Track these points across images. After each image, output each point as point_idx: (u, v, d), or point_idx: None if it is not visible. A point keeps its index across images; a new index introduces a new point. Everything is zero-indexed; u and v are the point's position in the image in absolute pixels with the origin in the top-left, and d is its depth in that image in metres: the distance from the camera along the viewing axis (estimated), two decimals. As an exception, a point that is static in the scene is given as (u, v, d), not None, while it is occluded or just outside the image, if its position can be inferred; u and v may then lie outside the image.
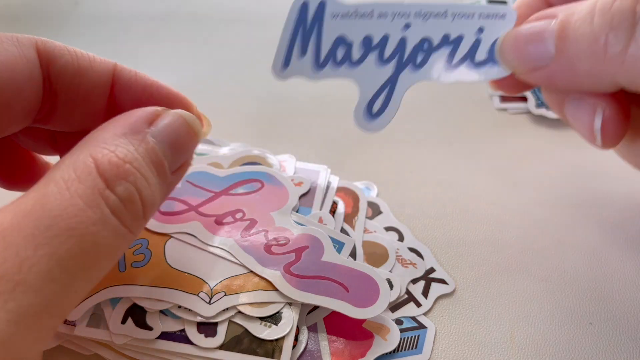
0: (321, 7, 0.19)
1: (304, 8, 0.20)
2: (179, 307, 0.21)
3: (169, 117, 0.19)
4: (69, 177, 0.15)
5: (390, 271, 0.23)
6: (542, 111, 0.31)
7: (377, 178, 0.28)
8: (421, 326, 0.22)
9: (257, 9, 0.40)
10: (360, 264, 0.22)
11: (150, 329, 0.20)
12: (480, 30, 0.19)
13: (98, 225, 0.15)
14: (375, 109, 0.21)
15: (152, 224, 0.23)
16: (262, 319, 0.21)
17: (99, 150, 0.16)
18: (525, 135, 0.31)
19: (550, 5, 0.20)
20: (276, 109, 0.32)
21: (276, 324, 0.20)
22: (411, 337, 0.22)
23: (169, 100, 0.21)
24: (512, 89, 0.22)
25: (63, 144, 0.22)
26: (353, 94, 0.33)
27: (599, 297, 0.23)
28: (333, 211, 0.25)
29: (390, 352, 0.21)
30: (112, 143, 0.16)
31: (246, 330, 0.20)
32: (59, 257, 0.14)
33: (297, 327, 0.21)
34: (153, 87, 0.21)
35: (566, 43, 0.17)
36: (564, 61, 0.18)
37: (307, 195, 0.25)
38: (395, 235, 0.25)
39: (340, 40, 0.20)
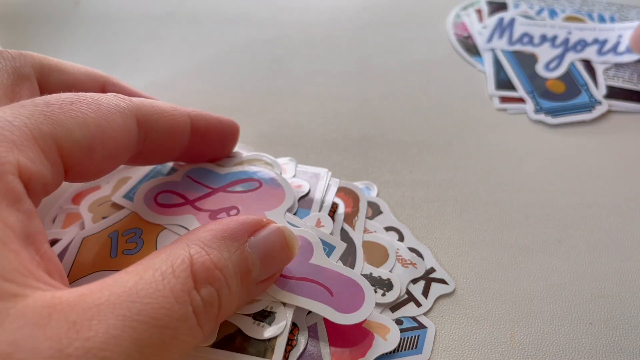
0: (512, 19, 0.37)
1: (500, 19, 0.36)
2: None
3: (270, 230, 0.20)
4: (166, 269, 0.16)
5: (390, 271, 0.23)
6: (541, 117, 0.31)
7: (377, 178, 0.28)
8: (421, 326, 0.22)
9: (257, 9, 0.40)
10: (348, 270, 0.22)
11: None
12: (620, 36, 0.35)
13: (180, 321, 0.16)
14: (550, 67, 0.34)
15: (147, 213, 0.23)
16: (255, 318, 0.21)
17: (197, 250, 0.17)
18: (524, 135, 0.31)
19: None
20: (276, 109, 0.32)
21: (269, 323, 0.20)
22: (411, 337, 0.22)
23: (228, 132, 0.25)
24: None
25: None
26: (352, 93, 0.33)
27: (599, 297, 0.23)
28: (333, 212, 0.25)
29: (390, 352, 0.21)
30: (210, 245, 0.18)
31: (239, 329, 0.20)
32: (141, 343, 0.14)
33: (297, 327, 0.21)
34: (218, 125, 0.24)
35: None
36: None
37: (306, 198, 0.25)
38: (395, 235, 0.25)
39: (525, 34, 0.36)
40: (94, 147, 0.19)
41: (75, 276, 0.22)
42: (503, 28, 0.36)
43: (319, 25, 0.38)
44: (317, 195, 0.25)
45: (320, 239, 0.23)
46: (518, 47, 0.35)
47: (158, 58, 0.36)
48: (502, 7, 0.38)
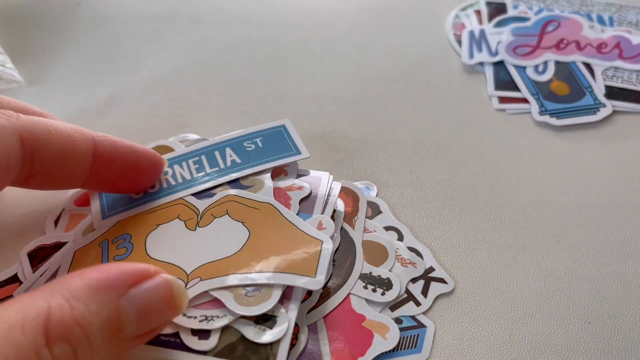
0: (481, 31, 0.33)
1: (470, 33, 0.35)
2: None
3: (154, 282, 0.18)
4: (16, 322, 0.15)
5: (390, 270, 0.24)
6: (545, 118, 0.31)
7: (377, 178, 0.28)
8: (420, 325, 0.22)
9: (257, 9, 0.40)
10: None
11: None
12: None
13: None
14: (539, 70, 0.33)
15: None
16: (256, 322, 0.21)
17: (60, 302, 0.16)
18: (524, 135, 0.31)
19: None
20: (276, 110, 0.32)
21: (271, 327, 0.20)
22: (411, 336, 0.22)
23: (143, 162, 0.23)
24: None
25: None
26: (352, 94, 0.33)
27: (598, 297, 0.24)
28: (332, 212, 0.25)
29: (389, 351, 0.21)
30: (78, 296, 0.16)
31: (241, 337, 0.20)
32: None
33: (297, 326, 0.21)
34: (130, 155, 0.23)
35: None
36: None
37: (307, 201, 0.25)
38: (394, 235, 0.26)
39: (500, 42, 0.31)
40: None
41: None
42: (478, 41, 0.36)
43: (319, 25, 0.38)
44: (318, 198, 0.25)
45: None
46: (501, 57, 0.35)
47: (158, 59, 0.36)
48: (501, 7, 0.38)
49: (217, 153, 0.26)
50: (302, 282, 0.21)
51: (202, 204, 0.24)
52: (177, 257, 0.22)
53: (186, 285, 0.21)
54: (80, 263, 0.22)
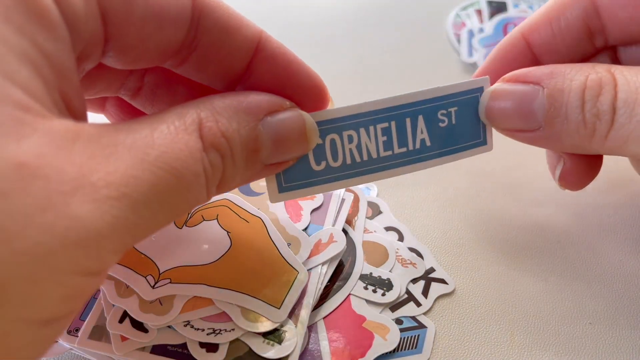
0: (481, 30, 0.28)
1: (470, 32, 0.33)
2: (185, 325, 0.20)
3: (289, 114, 0.19)
4: (179, 125, 0.16)
5: (390, 271, 0.24)
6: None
7: (377, 178, 0.28)
8: (421, 326, 0.22)
9: (256, 9, 0.40)
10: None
11: (145, 331, 0.20)
12: None
13: (193, 177, 0.15)
14: None
15: None
16: (265, 336, 0.20)
17: (206, 114, 0.17)
18: (524, 135, 0.31)
19: (529, 46, 0.23)
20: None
21: (280, 342, 0.20)
22: (411, 336, 0.22)
23: (305, 81, 0.20)
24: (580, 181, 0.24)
25: (120, 110, 0.23)
26: (352, 93, 0.33)
27: (599, 297, 0.23)
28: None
29: (390, 352, 0.21)
30: (221, 113, 0.17)
31: (249, 351, 0.20)
32: (159, 188, 0.14)
33: (298, 326, 0.21)
34: (294, 64, 0.20)
35: (556, 120, 0.20)
36: (551, 133, 0.20)
37: (319, 211, 0.24)
38: (395, 235, 0.25)
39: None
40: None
41: None
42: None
43: (319, 25, 0.38)
44: (330, 208, 0.25)
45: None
46: None
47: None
48: (502, 7, 0.38)
49: (408, 121, 0.20)
50: (265, 311, 0.21)
51: None
52: (156, 252, 0.22)
53: (155, 284, 0.21)
54: None
